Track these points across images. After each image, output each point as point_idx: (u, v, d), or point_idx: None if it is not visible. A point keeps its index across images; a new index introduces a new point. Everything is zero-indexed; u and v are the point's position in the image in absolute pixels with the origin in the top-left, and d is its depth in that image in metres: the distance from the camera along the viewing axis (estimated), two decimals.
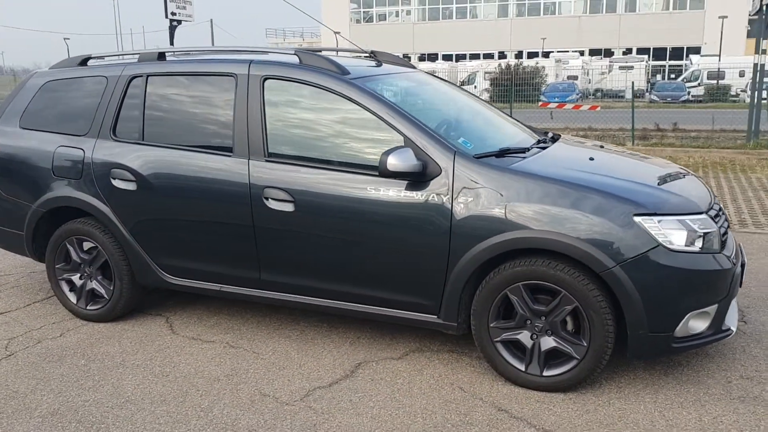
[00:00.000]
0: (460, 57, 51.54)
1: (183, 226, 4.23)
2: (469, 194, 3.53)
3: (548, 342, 3.53)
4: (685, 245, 3.37)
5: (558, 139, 4.66)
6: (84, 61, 4.76)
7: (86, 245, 4.60)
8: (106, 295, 4.57)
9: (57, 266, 4.68)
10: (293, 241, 3.93)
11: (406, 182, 3.65)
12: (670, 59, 47.77)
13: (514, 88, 21.72)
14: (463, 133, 4.21)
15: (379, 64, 4.58)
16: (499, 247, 3.46)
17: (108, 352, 4.18)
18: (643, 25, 47.69)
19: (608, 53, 48.05)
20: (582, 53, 45.91)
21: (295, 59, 4.13)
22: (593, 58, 44.20)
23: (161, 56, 4.47)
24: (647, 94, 37.02)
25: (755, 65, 13.36)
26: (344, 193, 3.77)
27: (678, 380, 3.70)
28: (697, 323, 3.45)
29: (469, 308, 3.71)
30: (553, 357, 3.56)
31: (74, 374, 3.90)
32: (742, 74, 35.32)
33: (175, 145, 4.23)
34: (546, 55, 43.34)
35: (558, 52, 43.61)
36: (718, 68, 32.65)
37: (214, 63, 4.27)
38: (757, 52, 13.13)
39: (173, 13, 16.01)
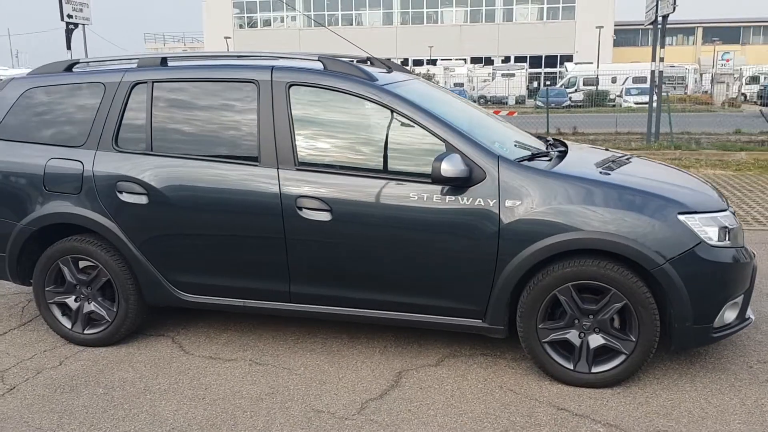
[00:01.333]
0: None
1: (202, 240, 4.01)
2: (517, 198, 3.58)
3: (597, 340, 3.64)
4: (718, 240, 3.58)
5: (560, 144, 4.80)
6: (70, 67, 4.42)
7: (82, 264, 4.27)
8: (107, 317, 4.26)
9: (47, 289, 4.31)
10: (329, 250, 3.83)
11: (447, 188, 3.65)
12: (545, 67, 50.18)
13: None
14: (485, 137, 4.25)
15: (389, 70, 4.55)
16: (552, 248, 3.53)
17: (124, 378, 3.90)
18: (520, 35, 49.85)
19: (489, 61, 49.83)
20: (465, 61, 47.35)
21: (318, 65, 4.03)
22: (475, 65, 45.71)
23: (164, 62, 4.23)
24: (530, 100, 38.79)
25: (653, 72, 14.32)
26: (384, 200, 3.72)
27: (706, 368, 3.91)
28: (730, 313, 3.68)
29: (513, 311, 3.76)
30: (599, 354, 3.68)
31: (99, 404, 3.61)
32: (614, 80, 37.81)
33: (191, 155, 4.02)
34: (433, 62, 44.33)
35: (442, 60, 44.78)
36: (597, 75, 34.73)
37: (232, 69, 4.09)
38: (654, 60, 14.08)
39: (69, 16, 15.06)
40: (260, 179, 3.87)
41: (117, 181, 4.06)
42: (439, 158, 3.53)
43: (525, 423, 3.36)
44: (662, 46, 13.58)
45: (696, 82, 45.26)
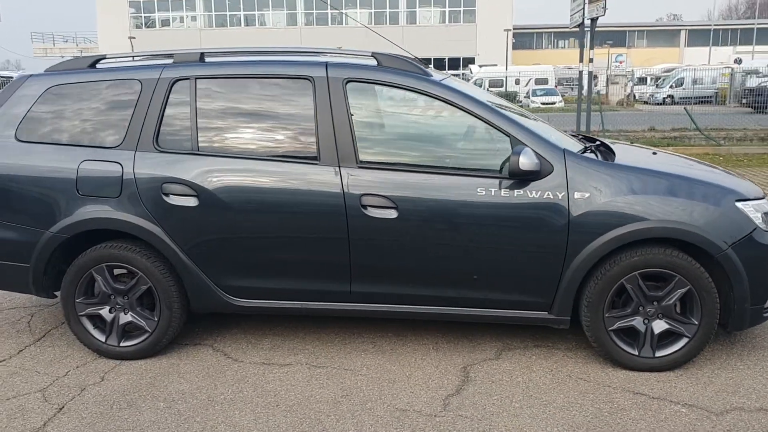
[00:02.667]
0: None
1: (256, 243, 3.86)
2: (585, 191, 3.66)
3: (661, 325, 3.78)
4: (763, 224, 3.79)
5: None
6: (94, 63, 4.15)
7: (117, 272, 4.02)
8: (147, 328, 4.02)
9: (78, 301, 4.02)
10: (395, 248, 3.78)
11: (514, 182, 3.68)
12: (449, 69, 51.18)
13: None
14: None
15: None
16: (623, 239, 3.63)
17: (182, 391, 3.70)
18: (424, 37, 50.56)
19: None
20: None
21: (372, 61, 3.97)
22: None
23: (202, 57, 4.05)
24: None
25: (581, 72, 14.92)
26: (451, 196, 3.72)
27: (747, 347, 4.14)
28: None
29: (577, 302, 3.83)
30: (662, 339, 3.81)
31: (168, 419, 3.41)
32: (517, 82, 39.12)
33: (242, 155, 3.87)
34: None
35: None
36: (506, 76, 35.78)
37: (284, 65, 3.95)
38: (581, 61, 14.66)
39: None
40: (321, 178, 3.77)
41: (162, 183, 3.84)
42: (517, 152, 3.56)
43: (610, 409, 3.44)
44: (591, 48, 14.18)
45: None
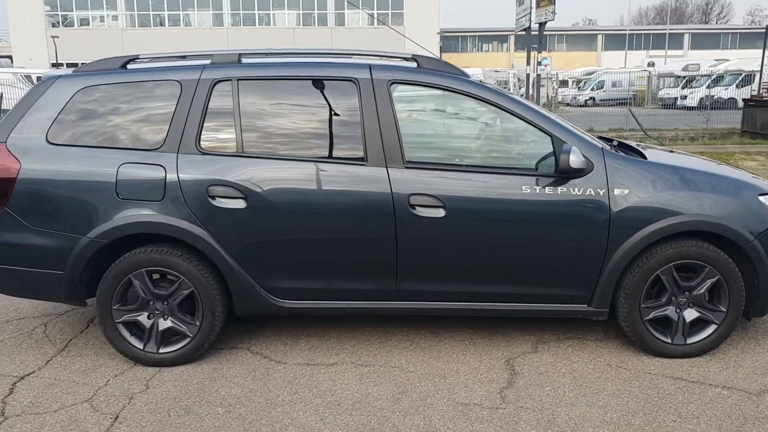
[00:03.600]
0: None
1: (304, 244, 3.87)
2: (624, 187, 3.84)
3: (692, 313, 4.00)
4: None
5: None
6: (125, 64, 4.05)
7: (156, 277, 3.94)
8: (189, 333, 3.95)
9: (115, 307, 3.92)
10: (442, 246, 3.86)
11: (553, 179, 3.83)
12: None
13: None
14: None
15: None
16: (660, 232, 3.83)
17: (235, 395, 3.66)
18: (353, 39, 50.71)
19: None
20: None
21: (412, 63, 4.04)
22: None
23: (239, 59, 4.02)
24: None
25: (528, 75, 15.38)
26: (497, 194, 3.83)
27: (760, 332, 4.42)
28: None
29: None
30: (692, 326, 4.03)
31: (233, 424, 3.38)
32: None
33: (288, 157, 3.87)
34: None
35: None
36: None
37: (328, 67, 3.97)
38: (528, 64, 15.13)
39: None
40: (369, 179, 3.81)
41: (208, 185, 3.79)
42: (566, 151, 3.70)
43: (658, 394, 3.63)
44: (539, 51, 14.64)
45: (515, 85, 48.82)
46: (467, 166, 3.91)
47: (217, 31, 50.87)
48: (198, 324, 3.94)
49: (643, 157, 4.10)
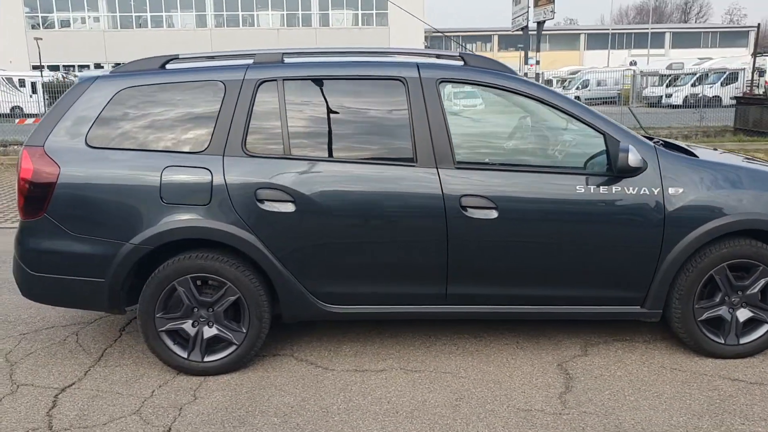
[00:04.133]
0: None
1: (353, 247, 3.77)
2: (678, 186, 3.78)
3: (745, 313, 3.95)
4: None
5: None
6: (164, 64, 3.93)
7: (199, 284, 3.82)
8: (235, 341, 3.84)
9: (158, 315, 3.80)
10: (494, 248, 3.78)
11: (606, 178, 3.76)
12: None
13: None
14: None
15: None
16: (715, 232, 3.77)
17: (288, 404, 3.56)
18: (337, 39, 50.54)
19: None
20: None
21: (458, 61, 3.96)
22: None
23: (282, 58, 3.91)
24: None
25: (526, 74, 15.35)
26: (550, 194, 3.76)
27: None
28: None
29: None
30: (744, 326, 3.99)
31: None
32: None
33: (337, 158, 3.77)
34: None
35: None
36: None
37: (375, 66, 3.87)
38: (526, 63, 15.11)
39: None
40: (419, 180, 3.72)
41: (257, 189, 3.68)
42: (624, 149, 3.63)
43: (719, 396, 3.57)
44: (538, 50, 14.61)
45: None
46: (519, 165, 3.84)
47: (200, 33, 50.47)
48: (244, 331, 3.83)
49: (694, 155, 4.04)
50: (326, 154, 3.78)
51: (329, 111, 3.86)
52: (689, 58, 45.93)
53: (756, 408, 3.45)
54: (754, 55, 25.46)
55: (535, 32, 14.66)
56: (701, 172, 3.84)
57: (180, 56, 4.00)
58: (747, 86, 20.06)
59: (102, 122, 3.76)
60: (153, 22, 51.20)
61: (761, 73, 25.47)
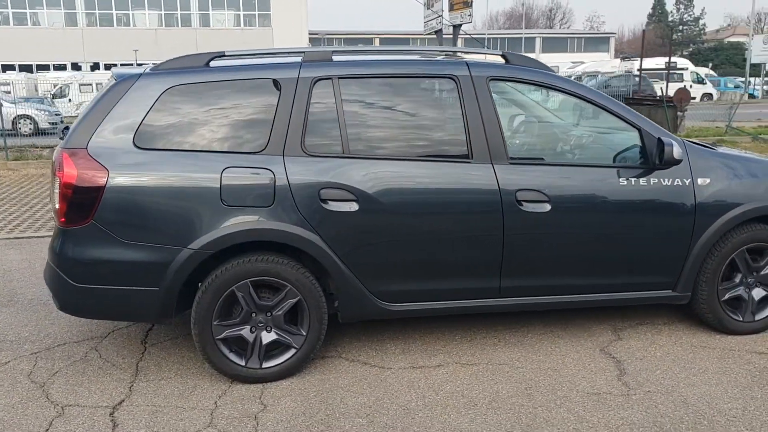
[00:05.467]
0: (25, 67, 46.15)
1: (412, 245, 3.78)
2: (706, 177, 4.08)
3: (759, 292, 4.32)
4: None
5: None
6: (209, 62, 3.77)
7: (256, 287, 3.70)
8: (295, 345, 3.75)
9: (215, 323, 3.64)
10: (546, 241, 3.92)
11: (642, 170, 4.00)
12: None
13: None
14: None
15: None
16: (739, 218, 4.10)
17: (364, 404, 3.52)
18: (219, 40, 49.26)
19: None
20: None
21: (500, 59, 4.06)
22: None
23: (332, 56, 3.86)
24: None
25: None
26: (598, 187, 3.94)
27: None
28: None
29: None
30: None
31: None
32: None
33: (394, 156, 3.77)
34: (139, 66, 41.66)
35: (153, 64, 42.29)
36: None
37: (427, 64, 3.91)
38: None
39: None
40: (476, 176, 3.80)
41: (320, 189, 3.62)
42: (669, 144, 3.87)
43: (756, 369, 3.88)
44: None
45: None
46: (566, 160, 4.00)
47: (70, 32, 47.81)
48: (304, 334, 3.75)
49: (712, 148, 4.37)
50: (384, 152, 3.77)
51: (382, 109, 3.85)
52: (562, 62, 48.53)
53: None
54: (625, 58, 27.33)
55: (451, 35, 15.04)
56: (723, 164, 4.16)
57: (226, 53, 3.85)
58: (635, 87, 21.46)
59: (150, 122, 3.56)
60: (15, 19, 47.93)
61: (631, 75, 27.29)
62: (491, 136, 3.83)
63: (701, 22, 77.04)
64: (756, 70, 43.66)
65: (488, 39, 65.99)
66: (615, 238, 4.00)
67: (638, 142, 4.03)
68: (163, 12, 49.78)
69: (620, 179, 3.95)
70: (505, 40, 69.74)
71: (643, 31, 27.72)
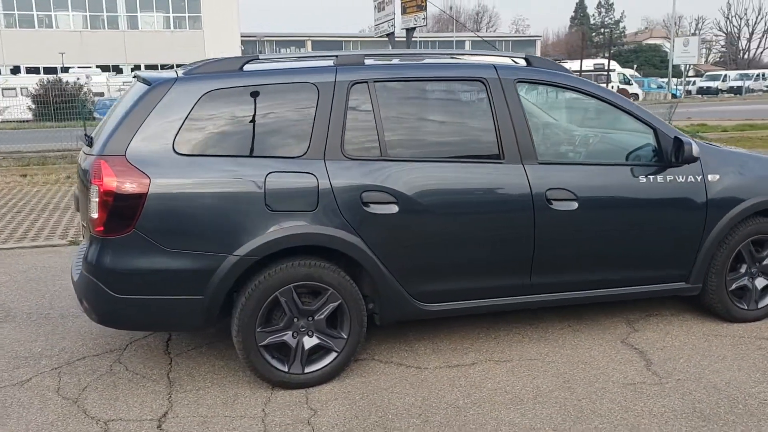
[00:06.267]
0: None
1: (448, 245, 3.84)
2: (716, 173, 4.29)
3: (762, 282, 4.56)
4: None
5: None
6: (242, 66, 3.72)
7: (299, 292, 3.68)
8: (336, 348, 3.75)
9: (258, 330, 3.60)
10: (573, 237, 4.04)
11: (656, 168, 4.17)
12: None
13: (55, 105, 22.91)
14: None
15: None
16: (746, 211, 4.33)
17: (412, 404, 3.55)
18: (148, 42, 48.22)
19: (117, 69, 47.12)
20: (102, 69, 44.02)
21: (523, 62, 4.17)
22: (110, 74, 42.87)
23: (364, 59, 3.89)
24: None
25: None
26: (621, 185, 4.10)
27: None
28: None
29: None
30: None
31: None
32: None
33: (430, 158, 3.83)
34: (65, 70, 40.24)
35: (80, 68, 40.94)
36: None
37: (457, 68, 3.97)
38: None
39: None
40: (509, 176, 3.89)
41: (362, 192, 3.63)
42: (687, 143, 4.05)
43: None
44: None
45: None
46: (590, 159, 4.14)
47: None
48: (345, 337, 3.75)
49: (716, 146, 4.59)
50: (420, 154, 3.82)
51: (416, 111, 3.90)
52: None
53: None
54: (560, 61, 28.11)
55: (404, 38, 15.12)
56: (730, 161, 4.39)
57: (260, 57, 3.81)
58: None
59: (189, 127, 3.50)
60: None
61: None
62: (521, 137, 3.92)
63: (621, 24, 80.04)
64: (677, 70, 45.71)
65: (420, 42, 66.70)
66: (636, 233, 4.16)
67: (652, 141, 4.20)
68: (87, 13, 48.22)
69: (639, 177, 4.11)
70: (436, 42, 70.63)
71: (582, 33, 28.58)
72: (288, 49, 66.54)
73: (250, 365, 3.65)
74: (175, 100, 3.51)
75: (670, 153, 4.12)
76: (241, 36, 53.70)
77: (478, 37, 71.71)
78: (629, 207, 4.12)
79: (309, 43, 66.43)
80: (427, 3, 13.44)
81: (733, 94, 45.89)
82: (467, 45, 70.23)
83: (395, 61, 4.05)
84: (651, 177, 4.13)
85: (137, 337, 4.43)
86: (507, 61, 4.21)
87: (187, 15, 49.99)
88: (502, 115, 3.91)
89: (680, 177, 4.19)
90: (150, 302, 3.49)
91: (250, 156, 3.56)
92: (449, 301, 3.96)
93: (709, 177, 4.26)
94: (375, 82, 3.77)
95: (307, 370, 3.72)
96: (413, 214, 3.73)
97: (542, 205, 3.92)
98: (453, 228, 3.83)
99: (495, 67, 4.00)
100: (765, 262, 4.54)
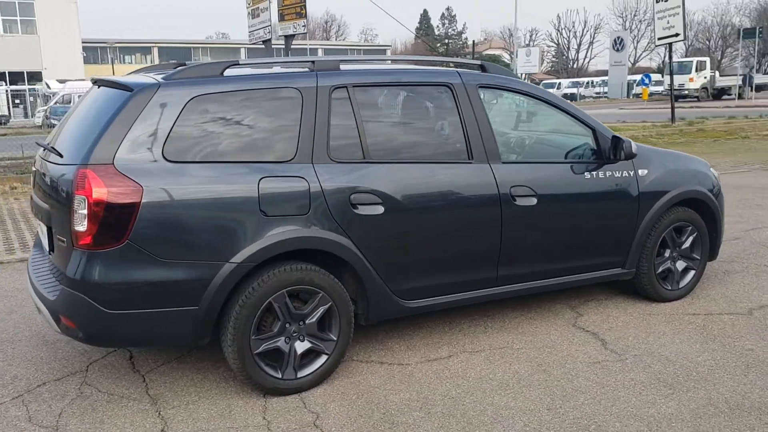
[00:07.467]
0: None
1: (427, 242, 4.00)
2: (644, 168, 4.76)
3: (681, 264, 5.11)
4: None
5: None
6: (223, 71, 3.66)
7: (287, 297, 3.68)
8: (326, 351, 3.78)
9: (253, 338, 3.56)
10: (533, 230, 4.34)
11: (596, 164, 4.58)
12: (12, 83, 45.64)
13: None
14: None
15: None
16: (670, 201, 4.84)
17: (415, 399, 3.66)
18: None
19: None
20: None
21: (478, 68, 4.42)
22: None
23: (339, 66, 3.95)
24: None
25: None
26: (570, 181, 4.45)
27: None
28: None
29: None
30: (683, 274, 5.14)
31: (451, 422, 3.44)
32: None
33: (407, 159, 3.97)
34: None
35: None
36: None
37: (426, 74, 4.13)
38: None
39: None
40: (478, 175, 4.11)
41: (351, 194, 3.69)
42: (628, 141, 4.47)
43: (700, 328, 4.59)
44: None
45: None
46: (544, 158, 4.45)
47: None
48: (335, 339, 3.79)
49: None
50: (398, 156, 3.94)
51: (391, 115, 4.04)
52: None
53: (737, 327, 4.55)
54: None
55: (283, 45, 15.10)
56: (654, 157, 4.88)
57: (239, 62, 3.76)
58: None
59: (178, 133, 3.40)
60: None
61: None
62: (486, 139, 4.16)
63: (464, 36, 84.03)
64: None
65: (274, 50, 66.21)
66: (583, 225, 4.53)
67: (591, 141, 4.60)
68: None
69: (585, 173, 4.49)
70: (289, 51, 70.40)
71: (474, 41, 29.53)
72: (133, 56, 63.73)
73: (246, 375, 3.59)
74: (160, 106, 3.40)
75: (608, 150, 4.53)
76: (83, 42, 50.73)
77: (330, 45, 72.53)
78: (577, 201, 4.48)
79: (155, 50, 63.93)
80: (306, 11, 13.55)
81: (568, 101, 49.53)
82: (320, 52, 70.62)
83: (368, 66, 4.15)
84: (593, 173, 4.51)
85: (96, 358, 4.20)
86: (468, 68, 4.44)
87: (18, 18, 46.49)
88: (468, 118, 4.12)
89: (617, 172, 4.61)
90: (144, 316, 3.35)
91: (239, 162, 3.51)
92: (429, 297, 4.11)
93: (640, 172, 4.73)
94: (354, 86, 3.85)
95: (300, 374, 3.72)
96: (397, 215, 3.84)
97: (508, 202, 4.17)
98: (431, 226, 3.99)
99: (458, 73, 4.21)
100: (684, 247, 5.09)
